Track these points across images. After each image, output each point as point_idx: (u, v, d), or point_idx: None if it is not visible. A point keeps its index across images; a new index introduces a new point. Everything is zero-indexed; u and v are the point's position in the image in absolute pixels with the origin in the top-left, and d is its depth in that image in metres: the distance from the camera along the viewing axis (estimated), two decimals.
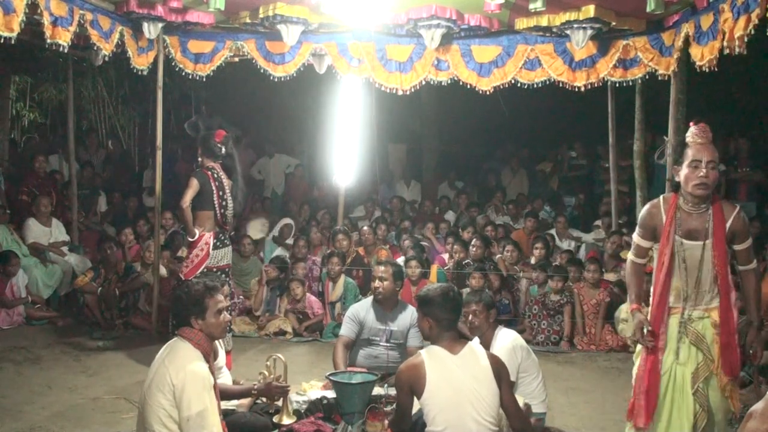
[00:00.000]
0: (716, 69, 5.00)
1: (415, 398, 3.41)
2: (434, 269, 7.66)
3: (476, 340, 3.93)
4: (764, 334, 5.56)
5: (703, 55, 5.06)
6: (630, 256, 3.82)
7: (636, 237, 3.74)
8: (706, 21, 4.99)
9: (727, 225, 3.49)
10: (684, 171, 3.51)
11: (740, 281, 3.64)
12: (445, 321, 3.43)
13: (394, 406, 4.07)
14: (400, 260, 7.42)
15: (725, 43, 4.36)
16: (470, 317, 4.34)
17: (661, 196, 3.69)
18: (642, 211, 3.74)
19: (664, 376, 3.52)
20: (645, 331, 3.53)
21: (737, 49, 4.27)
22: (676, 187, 3.60)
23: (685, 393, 3.48)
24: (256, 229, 8.82)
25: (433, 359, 3.35)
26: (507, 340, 4.26)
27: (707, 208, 3.51)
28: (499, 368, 3.38)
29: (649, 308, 3.65)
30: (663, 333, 3.54)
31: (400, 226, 9.19)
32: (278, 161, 11.55)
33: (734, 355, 3.46)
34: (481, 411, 3.26)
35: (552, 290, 7.19)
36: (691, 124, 3.62)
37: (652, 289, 3.66)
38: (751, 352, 3.59)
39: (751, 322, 3.57)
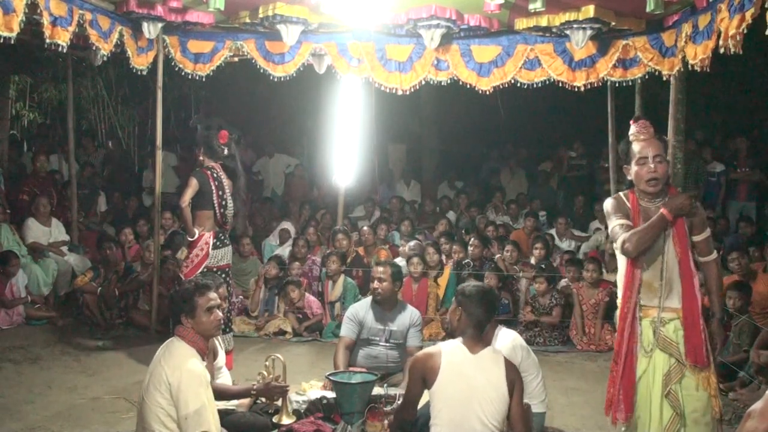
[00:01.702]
0: (708, 69, 4.98)
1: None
2: (447, 270, 7.65)
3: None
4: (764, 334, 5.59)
5: (696, 54, 5.06)
6: (622, 237, 3.41)
7: (618, 221, 3.49)
8: (703, 20, 4.98)
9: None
10: (633, 169, 3.52)
11: (702, 273, 3.60)
12: (476, 318, 3.44)
13: (395, 405, 4.09)
14: (400, 260, 7.43)
15: (721, 43, 4.35)
16: None
17: (620, 193, 3.67)
18: (609, 204, 3.60)
19: (640, 380, 3.45)
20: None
21: (732, 49, 4.25)
22: (630, 185, 3.63)
23: (654, 396, 3.41)
24: None
25: (451, 353, 3.36)
26: (507, 340, 4.25)
27: (663, 200, 3.50)
28: (514, 377, 3.37)
29: (618, 306, 3.60)
30: (635, 331, 3.47)
31: (401, 226, 9.19)
32: (278, 161, 11.55)
33: (698, 342, 3.39)
34: (488, 413, 3.26)
35: (537, 292, 7.19)
36: (631, 122, 3.61)
37: (621, 285, 3.57)
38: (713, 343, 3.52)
39: (713, 314, 3.55)
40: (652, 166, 3.45)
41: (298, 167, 11.49)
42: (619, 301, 3.62)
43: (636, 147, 3.52)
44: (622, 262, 3.57)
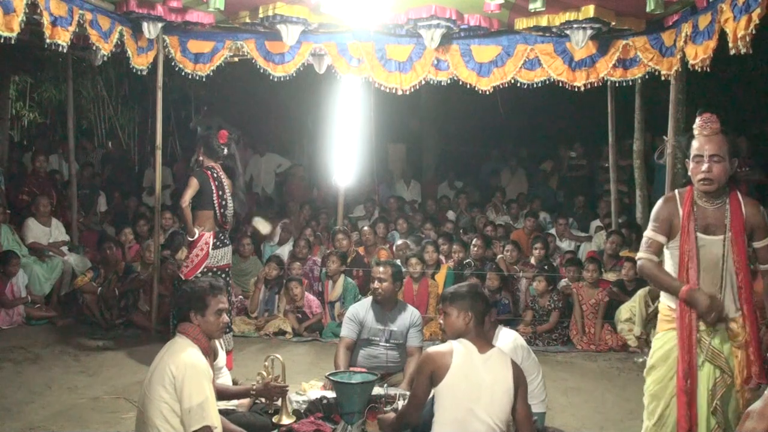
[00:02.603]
0: (709, 69, 4.96)
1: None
2: (444, 268, 7.66)
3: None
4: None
5: (697, 54, 5.06)
6: (643, 255, 3.37)
7: (650, 232, 3.38)
8: (703, 21, 4.99)
9: (745, 218, 3.27)
10: (690, 165, 3.32)
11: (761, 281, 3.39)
12: (482, 314, 3.46)
13: (395, 404, 4.08)
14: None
15: (731, 45, 4.34)
16: None
17: (676, 190, 3.44)
18: (657, 204, 3.42)
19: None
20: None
21: (743, 50, 4.18)
22: (690, 181, 3.40)
23: (701, 410, 3.24)
24: (263, 223, 8.82)
25: (462, 351, 3.36)
26: (508, 340, 4.24)
27: (723, 203, 3.29)
28: (519, 378, 3.37)
29: (663, 312, 3.39)
30: (695, 341, 3.23)
31: (396, 225, 9.19)
32: (269, 160, 11.52)
33: (760, 360, 3.18)
34: (492, 413, 3.26)
35: (536, 293, 7.18)
36: (697, 114, 3.39)
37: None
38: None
39: (767, 325, 3.39)
40: (706, 165, 3.23)
41: (298, 167, 11.48)
42: (661, 307, 3.42)
43: (695, 143, 3.30)
44: (672, 268, 3.37)
